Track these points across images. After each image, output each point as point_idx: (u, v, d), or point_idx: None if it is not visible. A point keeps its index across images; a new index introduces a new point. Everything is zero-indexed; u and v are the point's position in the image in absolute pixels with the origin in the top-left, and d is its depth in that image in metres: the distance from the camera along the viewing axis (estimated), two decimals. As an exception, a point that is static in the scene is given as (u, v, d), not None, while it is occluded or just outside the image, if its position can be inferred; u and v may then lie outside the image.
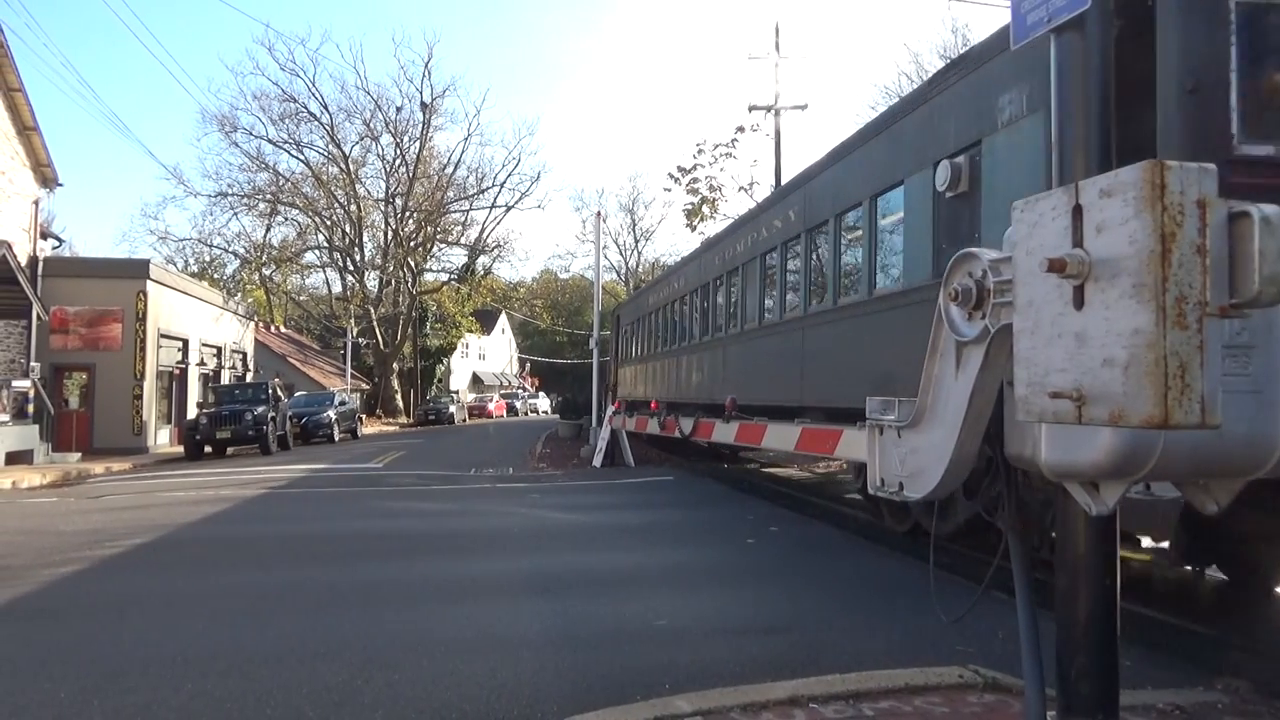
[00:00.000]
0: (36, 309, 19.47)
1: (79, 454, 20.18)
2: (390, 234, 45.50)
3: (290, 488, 13.83)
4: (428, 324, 48.60)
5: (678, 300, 16.08)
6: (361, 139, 44.65)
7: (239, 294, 44.48)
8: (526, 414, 57.91)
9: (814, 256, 9.61)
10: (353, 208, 44.27)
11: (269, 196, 44.34)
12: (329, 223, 45.46)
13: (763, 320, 11.00)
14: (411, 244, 45.55)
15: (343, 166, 43.61)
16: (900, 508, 7.51)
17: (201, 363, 28.07)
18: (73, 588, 6.48)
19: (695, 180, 32.19)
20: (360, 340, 44.73)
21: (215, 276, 48.77)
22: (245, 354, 33.00)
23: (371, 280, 46.44)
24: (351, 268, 46.81)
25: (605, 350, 23.45)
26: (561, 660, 4.48)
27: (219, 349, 29.83)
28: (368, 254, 46.64)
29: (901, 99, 9.56)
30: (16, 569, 7.04)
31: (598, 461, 17.59)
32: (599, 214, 26.78)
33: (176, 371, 25.96)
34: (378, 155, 45.77)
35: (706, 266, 14.09)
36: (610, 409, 18.98)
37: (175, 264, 44.78)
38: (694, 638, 4.89)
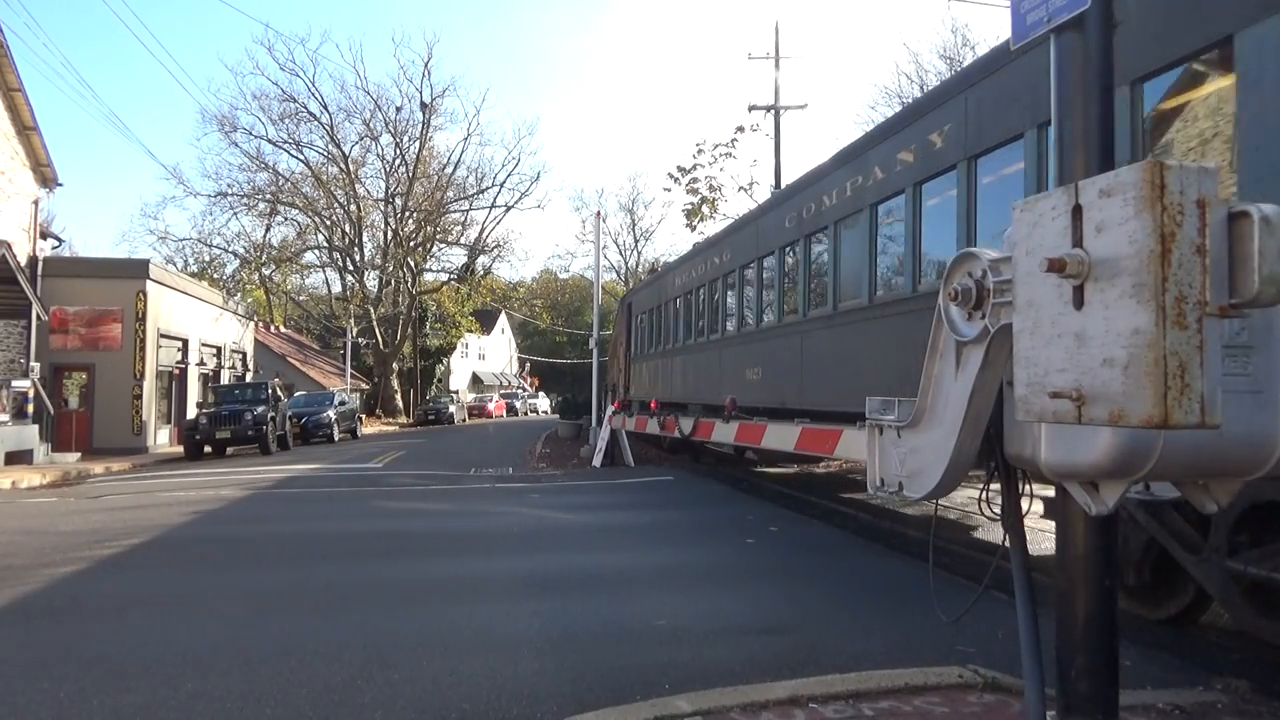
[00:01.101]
0: (36, 309, 19.47)
1: (79, 454, 20.19)
2: (390, 234, 45.52)
3: (290, 488, 13.83)
4: (428, 324, 48.62)
5: (720, 279, 13.01)
6: (361, 139, 44.79)
7: (239, 294, 44.50)
8: (526, 414, 57.91)
9: (983, 199, 6.88)
10: (352, 208, 44.28)
11: (269, 196, 44.39)
12: (329, 223, 45.50)
13: (874, 297, 8.29)
14: (411, 244, 45.56)
15: (342, 166, 43.63)
16: (1169, 583, 5.12)
17: (201, 363, 28.08)
18: (73, 588, 6.48)
19: (695, 180, 32.28)
20: (360, 340, 44.74)
21: (215, 276, 48.77)
22: (245, 354, 33.01)
23: (371, 280, 46.48)
24: (351, 268, 46.83)
25: (605, 350, 23.28)
26: (561, 660, 4.48)
27: (219, 349, 29.84)
28: (368, 254, 46.71)
29: None
30: (16, 569, 7.04)
31: (598, 461, 17.59)
32: (599, 214, 26.76)
33: (176, 371, 25.96)
34: (378, 155, 45.91)
35: (768, 232, 11.09)
36: (610, 409, 18.95)
37: (175, 264, 44.86)
38: (694, 637, 4.89)
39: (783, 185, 20.46)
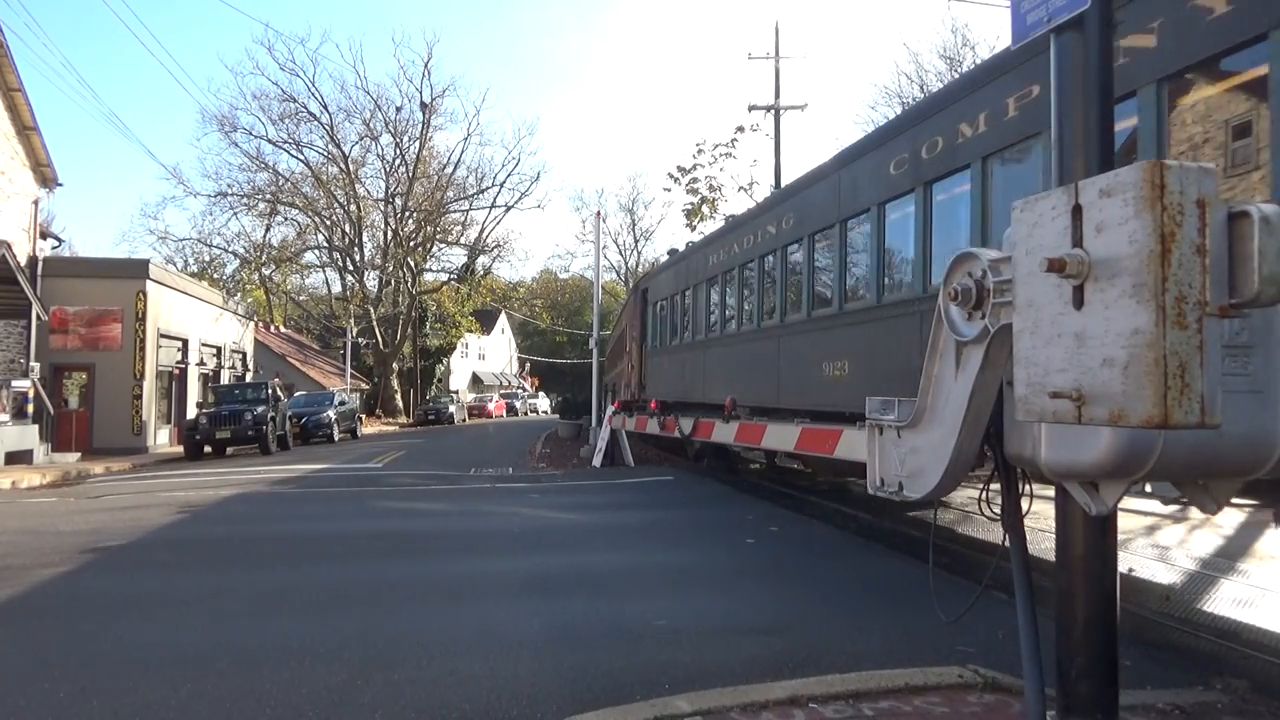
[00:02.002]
0: (36, 309, 19.47)
1: (79, 454, 20.19)
2: (390, 234, 45.55)
3: (290, 488, 13.83)
4: (428, 324, 48.64)
5: (777, 253, 10.57)
6: (361, 139, 44.84)
7: (239, 294, 44.51)
8: (526, 414, 57.92)
9: None
10: (352, 208, 44.30)
11: (269, 196, 44.41)
12: (329, 223, 45.54)
13: None
14: (411, 244, 45.58)
15: (342, 166, 43.66)
16: None
17: (201, 363, 28.08)
18: (73, 588, 6.48)
19: (695, 180, 32.39)
20: (360, 340, 44.75)
21: (215, 276, 48.81)
22: (245, 354, 33.01)
23: (371, 280, 46.51)
24: (351, 268, 46.86)
25: (605, 350, 23.20)
26: (561, 660, 4.48)
27: (219, 349, 29.84)
28: (368, 254, 46.74)
29: None
30: (16, 569, 7.04)
31: (597, 461, 17.59)
32: (599, 214, 26.74)
33: (176, 371, 25.96)
34: (378, 155, 45.97)
35: (857, 186, 8.63)
36: (610, 409, 18.94)
37: (175, 264, 44.89)
38: (693, 638, 4.89)
39: (783, 184, 20.23)
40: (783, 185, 11.50)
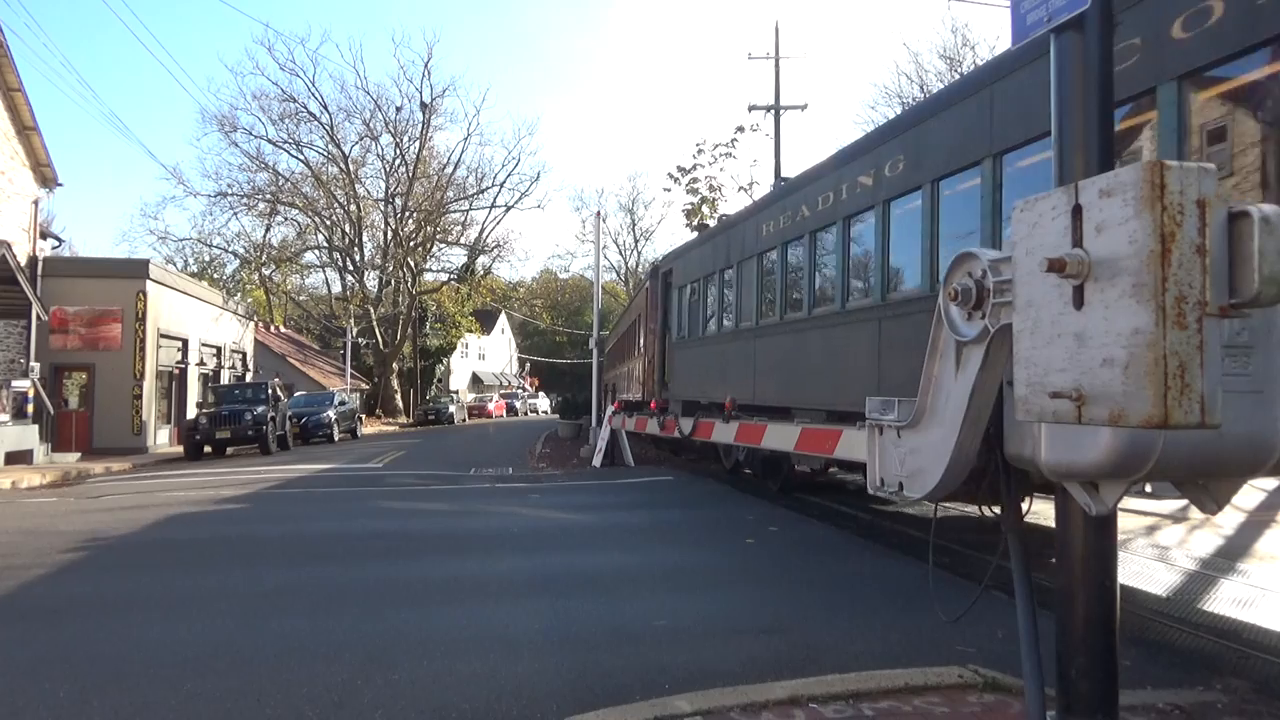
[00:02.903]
0: (36, 309, 19.47)
1: (79, 454, 20.19)
2: (390, 234, 45.56)
3: (290, 488, 13.83)
4: (427, 324, 48.65)
5: (874, 210, 8.09)
6: (361, 139, 44.86)
7: (239, 294, 44.53)
8: (526, 414, 57.92)
9: None
10: (352, 208, 44.31)
11: (269, 196, 44.41)
12: (329, 223, 45.55)
13: None
14: (411, 244, 45.58)
15: (342, 166, 43.67)
16: None
17: (201, 363, 28.08)
18: (72, 587, 6.48)
19: (695, 180, 32.44)
20: (360, 340, 44.75)
21: (215, 276, 48.86)
22: (245, 354, 33.01)
23: (371, 280, 46.52)
24: (351, 268, 46.86)
25: (604, 350, 23.16)
26: (561, 660, 4.48)
27: (219, 349, 29.84)
28: (367, 254, 46.76)
29: None
30: (16, 569, 7.04)
31: (597, 461, 17.59)
32: (599, 214, 26.70)
33: (176, 371, 25.96)
34: (378, 155, 45.99)
35: (1021, 104, 6.02)
36: (610, 409, 18.92)
37: (175, 264, 44.90)
38: (694, 638, 4.89)
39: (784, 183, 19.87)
40: (893, 117, 8.51)
